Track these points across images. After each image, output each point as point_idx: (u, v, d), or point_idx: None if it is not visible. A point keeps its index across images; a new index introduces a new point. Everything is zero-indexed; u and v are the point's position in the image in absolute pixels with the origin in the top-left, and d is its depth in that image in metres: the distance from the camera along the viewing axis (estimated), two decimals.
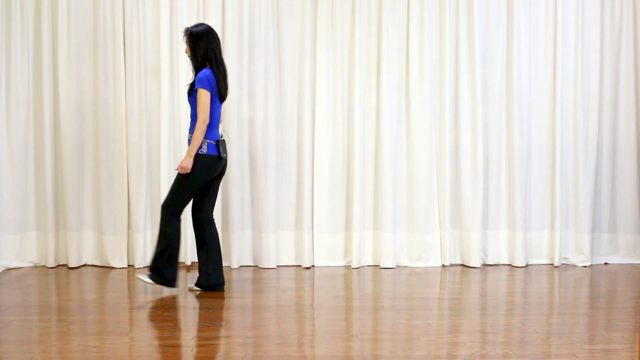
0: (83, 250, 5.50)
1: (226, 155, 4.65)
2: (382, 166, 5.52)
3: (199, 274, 4.72)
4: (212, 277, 4.69)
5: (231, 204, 5.46)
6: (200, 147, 4.51)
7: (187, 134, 4.72)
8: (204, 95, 4.49)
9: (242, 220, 5.52)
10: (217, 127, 4.62)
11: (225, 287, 4.81)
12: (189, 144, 4.57)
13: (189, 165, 4.48)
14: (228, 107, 5.44)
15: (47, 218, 5.40)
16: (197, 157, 4.50)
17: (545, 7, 5.60)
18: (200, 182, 4.57)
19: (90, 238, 5.52)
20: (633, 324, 3.96)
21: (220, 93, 4.59)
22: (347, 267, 5.57)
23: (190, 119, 4.64)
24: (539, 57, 5.62)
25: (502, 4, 5.57)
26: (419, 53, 5.54)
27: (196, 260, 5.23)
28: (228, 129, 5.44)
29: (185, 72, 5.39)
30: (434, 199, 5.60)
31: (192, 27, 4.63)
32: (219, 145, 4.58)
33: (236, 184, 5.46)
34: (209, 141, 4.54)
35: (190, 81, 4.69)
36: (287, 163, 5.57)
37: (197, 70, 4.59)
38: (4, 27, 5.36)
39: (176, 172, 4.62)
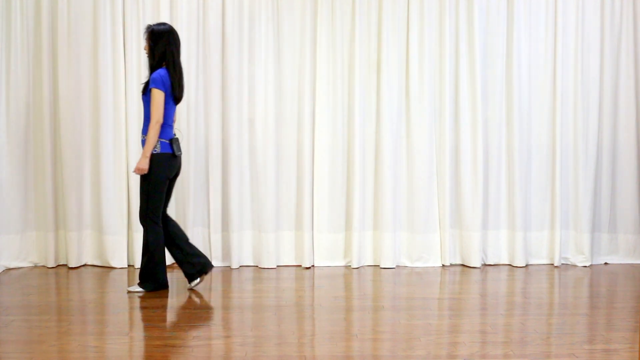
0: (83, 250, 5.50)
1: (180, 153, 4.68)
2: (382, 166, 5.52)
3: (183, 267, 4.73)
4: (196, 263, 4.71)
5: (231, 204, 5.46)
6: (154, 147, 4.53)
7: (141, 134, 4.71)
8: (157, 96, 4.51)
9: (242, 220, 5.52)
10: (171, 126, 4.65)
11: (225, 287, 4.82)
12: (142, 144, 4.61)
13: (145, 166, 4.52)
14: (228, 107, 5.44)
15: (47, 218, 5.40)
16: (152, 157, 4.54)
17: (545, 7, 5.60)
18: (163, 180, 4.61)
19: (90, 238, 5.51)
20: (633, 324, 3.96)
21: (174, 95, 4.61)
22: (347, 267, 5.57)
23: (143, 119, 4.65)
24: (539, 57, 5.62)
25: (502, 4, 5.56)
26: (419, 53, 5.54)
27: None
28: (228, 128, 5.45)
29: (185, 72, 5.38)
30: (434, 199, 5.60)
31: (154, 25, 4.65)
32: (173, 143, 4.61)
33: (236, 184, 5.46)
34: (162, 140, 4.57)
35: (145, 80, 4.68)
36: (287, 163, 5.57)
37: (152, 69, 4.61)
38: (4, 27, 5.36)
39: (140, 183, 4.63)
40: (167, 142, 4.58)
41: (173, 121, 4.68)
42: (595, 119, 5.64)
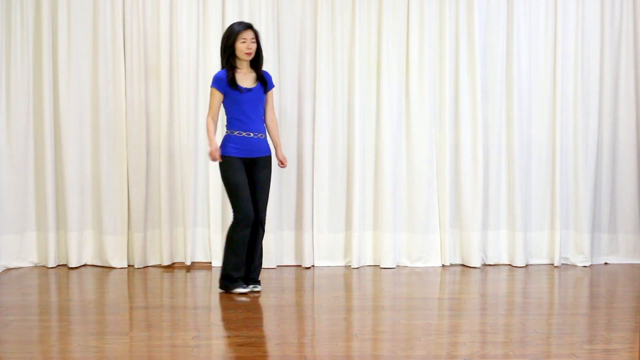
0: (83, 250, 5.49)
1: None
2: (382, 166, 5.52)
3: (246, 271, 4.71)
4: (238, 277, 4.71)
5: None
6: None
7: (258, 133, 4.65)
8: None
9: None
10: None
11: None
12: (261, 144, 4.67)
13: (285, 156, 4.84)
14: None
15: (47, 218, 5.40)
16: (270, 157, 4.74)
17: (546, 7, 5.60)
18: None
19: (90, 238, 5.51)
20: (633, 324, 3.96)
21: None
22: (347, 267, 5.57)
23: (255, 118, 4.64)
24: (539, 57, 5.62)
25: (502, 4, 5.56)
26: (419, 53, 5.54)
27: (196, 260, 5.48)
28: None
29: (185, 72, 5.39)
30: (434, 199, 5.60)
31: (252, 25, 4.68)
32: None
33: None
34: None
35: (257, 80, 4.67)
36: (287, 162, 5.55)
37: (258, 69, 4.66)
38: (4, 27, 5.36)
39: (268, 183, 4.74)
40: None
41: None
42: (595, 119, 5.64)
